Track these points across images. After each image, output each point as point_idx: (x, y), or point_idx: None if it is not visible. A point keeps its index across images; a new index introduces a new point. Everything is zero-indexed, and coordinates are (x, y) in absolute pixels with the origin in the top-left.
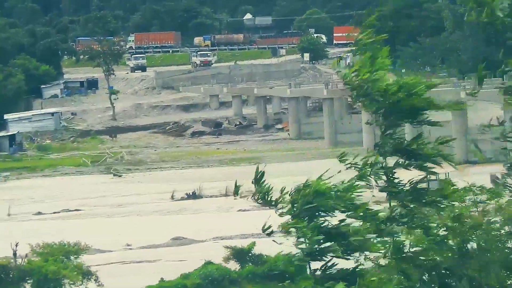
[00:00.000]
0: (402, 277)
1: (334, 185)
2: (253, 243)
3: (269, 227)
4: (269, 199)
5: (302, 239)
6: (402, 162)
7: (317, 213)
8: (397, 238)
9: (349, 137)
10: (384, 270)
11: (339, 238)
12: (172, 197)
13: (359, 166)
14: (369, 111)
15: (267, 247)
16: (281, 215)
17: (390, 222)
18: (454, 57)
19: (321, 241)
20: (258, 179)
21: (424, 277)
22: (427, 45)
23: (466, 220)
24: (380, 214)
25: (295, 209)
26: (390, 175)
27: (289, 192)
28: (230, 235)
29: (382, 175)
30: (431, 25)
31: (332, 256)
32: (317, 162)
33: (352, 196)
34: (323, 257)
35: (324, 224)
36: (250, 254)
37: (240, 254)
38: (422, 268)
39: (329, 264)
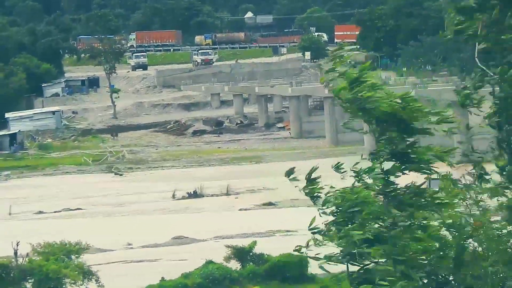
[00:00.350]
0: (404, 281)
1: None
2: (254, 242)
3: (313, 224)
4: (315, 196)
5: (343, 241)
6: (398, 166)
7: (360, 219)
8: (397, 241)
9: (350, 136)
10: (384, 273)
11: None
12: (173, 196)
13: (357, 171)
14: (361, 120)
15: (268, 247)
16: (323, 214)
17: (389, 226)
18: (455, 55)
19: (364, 245)
20: (311, 177)
21: (423, 281)
22: (428, 44)
23: (465, 226)
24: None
25: (339, 211)
26: (387, 178)
27: (334, 195)
28: (231, 234)
29: (380, 179)
30: (432, 23)
31: (372, 261)
32: (318, 161)
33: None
34: (362, 260)
35: (367, 228)
36: (251, 254)
37: (241, 253)
38: (421, 270)
39: (368, 267)
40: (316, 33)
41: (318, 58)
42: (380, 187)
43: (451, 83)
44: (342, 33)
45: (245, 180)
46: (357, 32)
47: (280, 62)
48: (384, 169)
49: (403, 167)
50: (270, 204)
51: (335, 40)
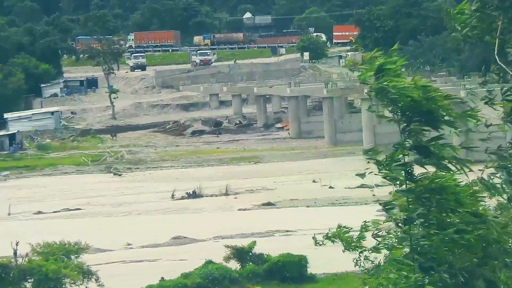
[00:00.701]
0: (421, 274)
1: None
2: (254, 242)
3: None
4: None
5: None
6: (420, 159)
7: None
8: (415, 233)
9: (349, 136)
10: (402, 266)
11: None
12: (173, 196)
13: (380, 163)
14: (388, 109)
15: (267, 247)
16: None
17: (409, 220)
18: (454, 56)
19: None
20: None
21: (440, 274)
22: (427, 44)
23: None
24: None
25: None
26: (409, 170)
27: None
28: (231, 234)
29: (401, 170)
30: (431, 23)
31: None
32: (317, 161)
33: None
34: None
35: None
36: (250, 254)
37: (240, 253)
38: (439, 264)
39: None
40: (315, 34)
41: (317, 59)
42: (401, 179)
43: (450, 83)
44: (340, 33)
45: (244, 180)
46: (355, 33)
47: (279, 62)
48: (406, 162)
49: (424, 161)
50: (269, 204)
51: (334, 41)
